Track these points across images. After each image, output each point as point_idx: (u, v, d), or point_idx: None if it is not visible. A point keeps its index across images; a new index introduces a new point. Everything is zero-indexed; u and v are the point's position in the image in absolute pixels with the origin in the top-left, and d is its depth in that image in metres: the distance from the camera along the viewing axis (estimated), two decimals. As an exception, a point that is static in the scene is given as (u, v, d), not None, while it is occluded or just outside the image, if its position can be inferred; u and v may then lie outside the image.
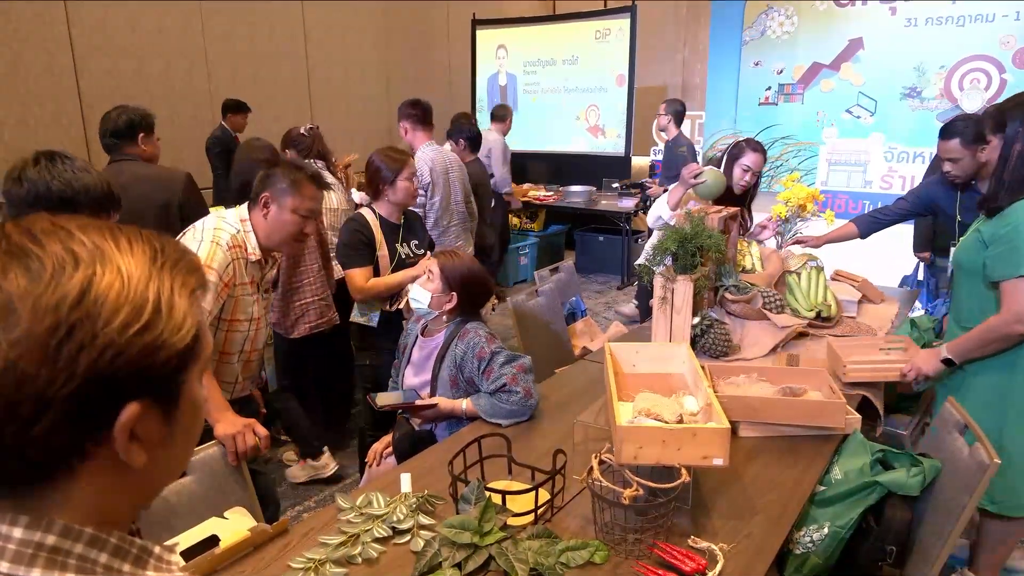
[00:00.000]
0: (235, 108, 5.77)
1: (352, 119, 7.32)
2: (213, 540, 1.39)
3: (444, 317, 2.24)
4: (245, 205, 2.11)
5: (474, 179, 4.17)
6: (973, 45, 5.44)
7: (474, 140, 4.33)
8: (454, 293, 2.19)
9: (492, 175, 5.25)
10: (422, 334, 2.30)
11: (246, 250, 2.05)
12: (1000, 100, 4.69)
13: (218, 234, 1.99)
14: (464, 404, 2.10)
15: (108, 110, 2.95)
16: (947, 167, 2.83)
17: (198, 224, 2.05)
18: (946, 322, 2.53)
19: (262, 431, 1.86)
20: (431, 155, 3.69)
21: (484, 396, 2.08)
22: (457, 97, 8.51)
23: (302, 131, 3.64)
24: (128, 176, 2.79)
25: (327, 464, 3.29)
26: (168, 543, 0.62)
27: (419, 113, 3.71)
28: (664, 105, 5.63)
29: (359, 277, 2.70)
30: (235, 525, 1.49)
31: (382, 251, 2.73)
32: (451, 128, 4.40)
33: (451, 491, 1.61)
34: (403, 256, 2.80)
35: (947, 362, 2.14)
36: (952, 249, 2.31)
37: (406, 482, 1.69)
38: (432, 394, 2.18)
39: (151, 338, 0.53)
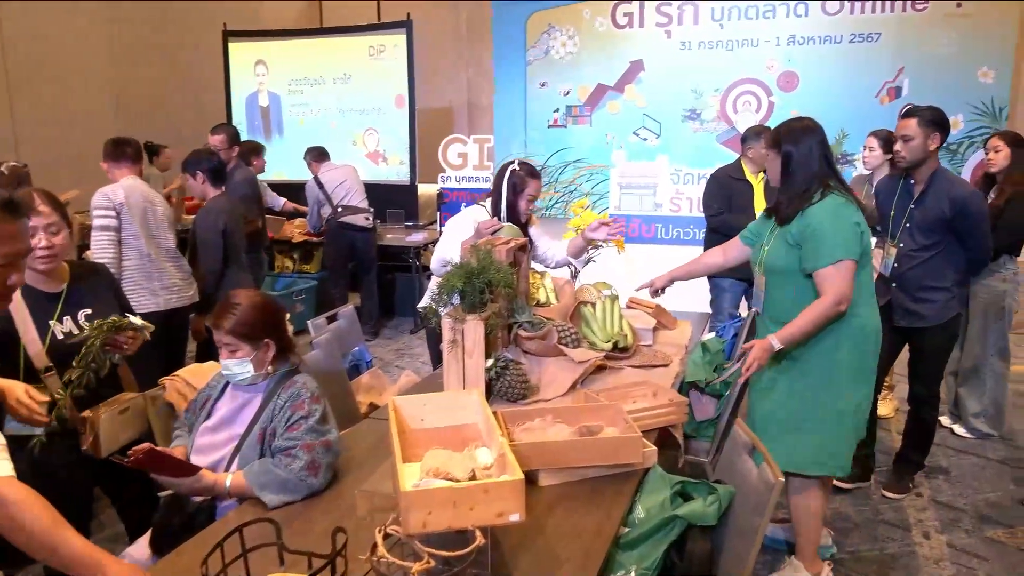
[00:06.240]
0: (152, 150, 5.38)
1: (71, 145, 6.68)
2: None
3: (269, 368, 2.17)
4: None
5: (224, 216, 4.00)
6: (743, 68, 6.29)
7: (216, 172, 4.11)
8: (267, 340, 2.13)
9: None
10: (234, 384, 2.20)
11: None
12: (769, 122, 5.47)
13: None
14: (228, 480, 2.00)
15: None
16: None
17: None
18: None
19: None
20: (125, 188, 3.78)
21: (263, 460, 2.02)
22: (209, 118, 8.08)
23: (1, 169, 3.29)
24: None
25: None
26: None
27: (112, 150, 3.90)
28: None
29: None
30: None
31: (27, 336, 2.18)
32: (187, 159, 4.13)
33: (207, 596, 1.50)
34: (60, 336, 2.26)
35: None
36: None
37: None
38: (235, 453, 2.07)
39: None
